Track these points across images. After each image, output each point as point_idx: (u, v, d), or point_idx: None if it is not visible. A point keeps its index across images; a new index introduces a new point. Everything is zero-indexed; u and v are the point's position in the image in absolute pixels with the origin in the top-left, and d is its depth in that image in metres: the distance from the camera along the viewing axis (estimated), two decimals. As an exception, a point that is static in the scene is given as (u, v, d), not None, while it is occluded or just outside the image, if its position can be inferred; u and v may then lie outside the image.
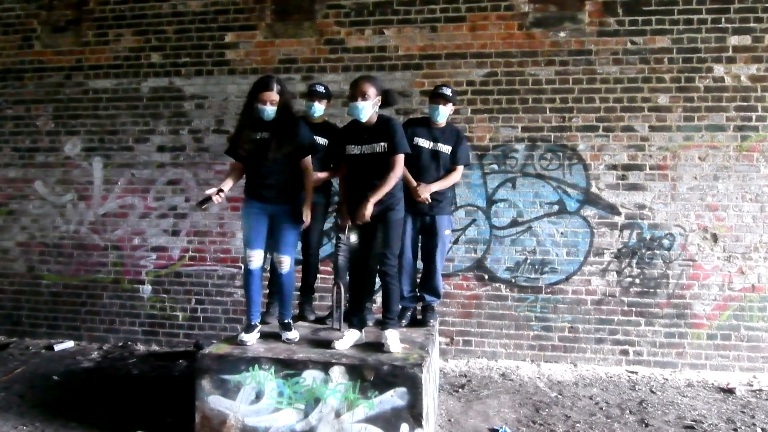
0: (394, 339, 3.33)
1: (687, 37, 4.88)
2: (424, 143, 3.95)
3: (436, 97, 3.99)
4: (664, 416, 3.88)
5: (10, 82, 5.81)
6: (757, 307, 4.80)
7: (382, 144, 3.37)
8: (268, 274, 3.93)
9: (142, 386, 4.36)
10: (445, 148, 3.98)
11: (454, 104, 4.09)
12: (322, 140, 3.94)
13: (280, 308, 3.64)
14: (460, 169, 4.10)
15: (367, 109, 3.35)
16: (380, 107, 3.44)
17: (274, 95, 3.41)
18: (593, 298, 4.99)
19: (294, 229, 3.57)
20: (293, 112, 3.58)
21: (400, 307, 3.95)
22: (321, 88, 4.12)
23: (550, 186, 5.06)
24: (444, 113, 3.99)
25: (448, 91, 4.01)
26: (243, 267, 3.61)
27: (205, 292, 5.48)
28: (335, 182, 4.23)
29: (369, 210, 3.30)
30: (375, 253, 3.43)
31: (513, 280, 5.09)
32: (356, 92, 3.34)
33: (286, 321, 3.57)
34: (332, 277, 4.13)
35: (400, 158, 3.38)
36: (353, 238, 3.46)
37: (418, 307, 4.18)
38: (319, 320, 4.08)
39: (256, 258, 3.52)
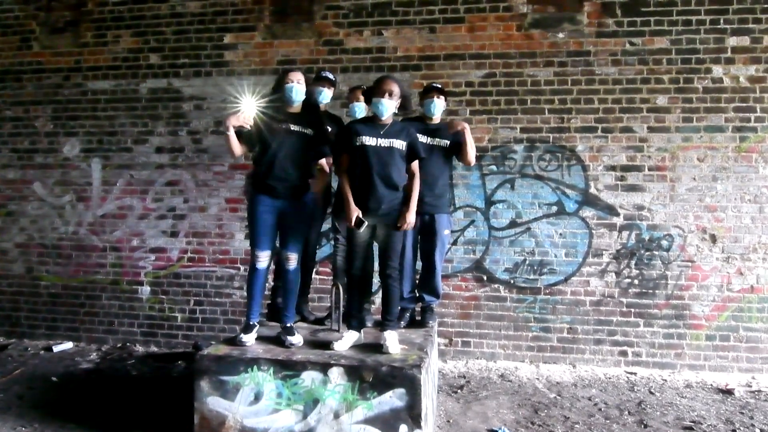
0: (393, 340, 3.32)
1: (686, 38, 4.89)
2: (422, 138, 3.93)
3: (429, 91, 4.00)
4: (662, 417, 3.89)
5: (9, 83, 5.81)
6: (755, 308, 4.81)
7: (401, 143, 3.38)
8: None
9: (140, 387, 4.36)
10: (444, 142, 3.97)
11: (446, 98, 4.10)
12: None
13: (283, 309, 3.60)
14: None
15: (390, 108, 3.36)
16: (398, 109, 3.46)
17: (300, 75, 3.47)
18: (592, 299, 4.99)
19: (304, 225, 3.57)
20: (319, 109, 3.65)
21: (399, 308, 3.95)
22: (331, 75, 4.08)
23: (549, 187, 5.06)
24: (440, 105, 3.98)
25: (438, 85, 4.06)
26: (249, 266, 3.54)
27: (204, 293, 5.48)
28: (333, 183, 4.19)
29: (412, 217, 3.40)
30: (380, 255, 3.45)
31: (512, 281, 5.09)
32: (382, 89, 3.34)
33: (288, 325, 3.54)
34: (331, 277, 4.13)
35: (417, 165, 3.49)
36: (362, 229, 3.35)
37: (417, 308, 4.17)
38: (318, 321, 4.08)
39: (265, 259, 3.48)
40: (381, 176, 3.33)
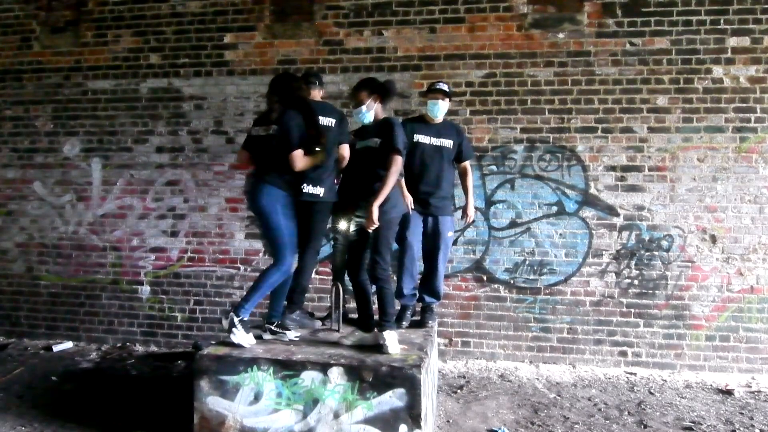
0: (392, 340, 3.32)
1: (686, 38, 4.88)
2: (425, 139, 3.96)
3: (434, 92, 4.01)
4: (662, 417, 3.89)
5: (9, 82, 5.81)
6: (755, 309, 4.80)
7: (375, 140, 3.45)
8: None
9: (140, 387, 4.36)
10: (448, 143, 4.00)
11: (450, 99, 4.10)
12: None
13: (277, 307, 3.61)
14: (469, 164, 4.27)
15: (370, 113, 3.48)
16: (384, 102, 3.51)
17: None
18: (592, 299, 4.99)
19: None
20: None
21: (401, 305, 3.97)
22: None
23: (549, 187, 5.06)
24: (443, 108, 4.01)
25: (445, 86, 4.05)
26: (279, 271, 3.37)
27: (204, 293, 5.48)
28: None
29: (374, 215, 3.30)
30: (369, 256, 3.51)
31: (512, 281, 5.09)
32: (353, 101, 3.51)
33: (281, 321, 3.58)
34: (331, 278, 4.13)
35: (396, 158, 3.38)
36: (352, 227, 3.51)
37: (417, 308, 4.17)
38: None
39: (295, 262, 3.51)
40: (360, 176, 3.50)
